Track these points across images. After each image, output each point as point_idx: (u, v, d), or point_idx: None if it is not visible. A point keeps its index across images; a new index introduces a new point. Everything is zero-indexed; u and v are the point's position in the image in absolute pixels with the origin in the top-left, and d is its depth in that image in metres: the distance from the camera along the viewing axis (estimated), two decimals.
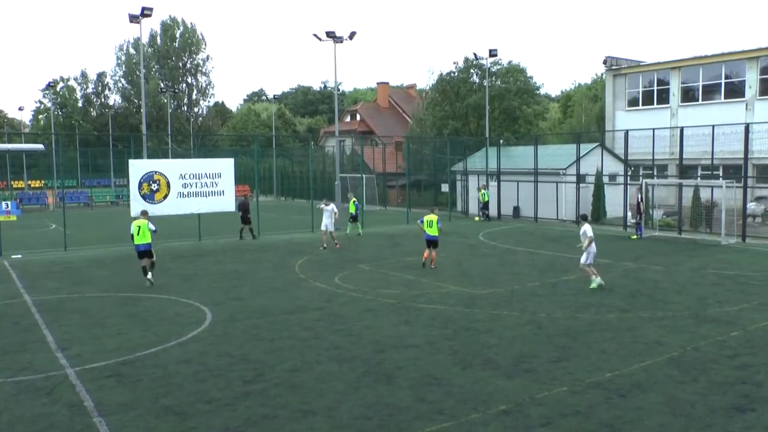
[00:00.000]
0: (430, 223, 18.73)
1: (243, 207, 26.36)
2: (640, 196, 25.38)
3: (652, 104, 36.77)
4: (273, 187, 53.31)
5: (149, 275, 16.62)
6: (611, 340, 11.00)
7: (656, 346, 10.65)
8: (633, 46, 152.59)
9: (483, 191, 33.96)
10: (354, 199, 27.74)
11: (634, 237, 25.23)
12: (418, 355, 10.33)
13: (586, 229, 15.84)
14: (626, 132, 29.40)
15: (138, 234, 16.53)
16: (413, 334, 11.63)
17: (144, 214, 17.41)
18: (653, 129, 29.06)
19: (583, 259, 15.75)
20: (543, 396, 8.48)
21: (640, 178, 29.92)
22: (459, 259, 20.59)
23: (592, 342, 10.93)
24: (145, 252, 16.68)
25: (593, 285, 15.37)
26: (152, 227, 16.78)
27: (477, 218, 34.04)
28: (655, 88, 36.66)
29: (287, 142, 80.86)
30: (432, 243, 18.80)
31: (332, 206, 24.21)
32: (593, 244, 15.76)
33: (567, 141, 43.33)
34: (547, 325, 12.12)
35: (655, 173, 31.30)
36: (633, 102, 37.82)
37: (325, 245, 23.13)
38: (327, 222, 23.55)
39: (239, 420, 7.88)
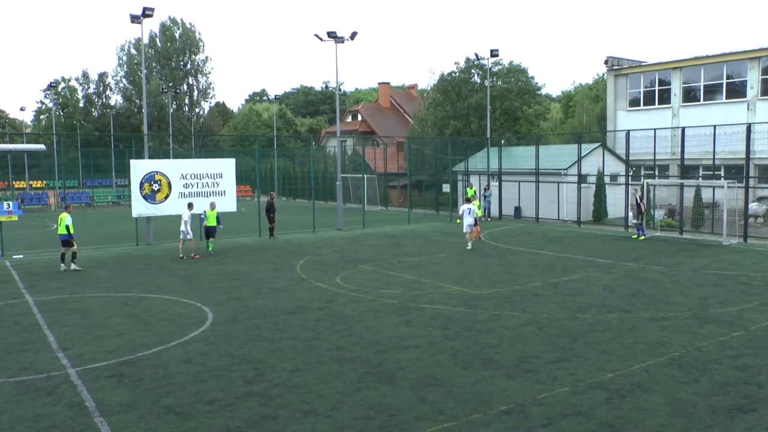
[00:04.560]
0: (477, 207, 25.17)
1: (267, 206, 26.95)
2: (639, 195, 25.33)
3: (654, 104, 36.75)
4: (274, 188, 53.33)
5: (68, 263, 19.21)
6: (612, 341, 10.99)
7: (657, 346, 10.64)
8: (634, 46, 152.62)
9: (469, 188, 33.17)
10: (210, 210, 22.48)
11: (636, 237, 25.10)
12: (419, 356, 10.33)
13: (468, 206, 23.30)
14: (627, 132, 29.37)
15: (59, 226, 19.29)
16: (414, 334, 11.62)
17: (67, 209, 19.79)
18: (654, 129, 29.05)
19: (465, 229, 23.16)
20: (544, 396, 8.47)
21: (642, 178, 29.91)
22: (460, 259, 20.59)
23: (593, 342, 10.92)
24: (64, 241, 19.25)
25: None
26: (68, 222, 19.21)
27: (458, 221, 32.13)
28: (657, 88, 36.64)
29: (288, 143, 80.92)
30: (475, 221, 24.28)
31: (189, 213, 21.65)
32: (467, 218, 22.92)
33: (568, 141, 43.30)
34: (548, 325, 12.11)
35: (657, 173, 31.28)
36: (634, 102, 37.81)
37: (182, 255, 21.37)
38: (185, 229, 21.27)
39: (240, 420, 7.88)
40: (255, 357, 10.40)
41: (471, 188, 34.06)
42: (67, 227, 19.19)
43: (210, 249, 22.45)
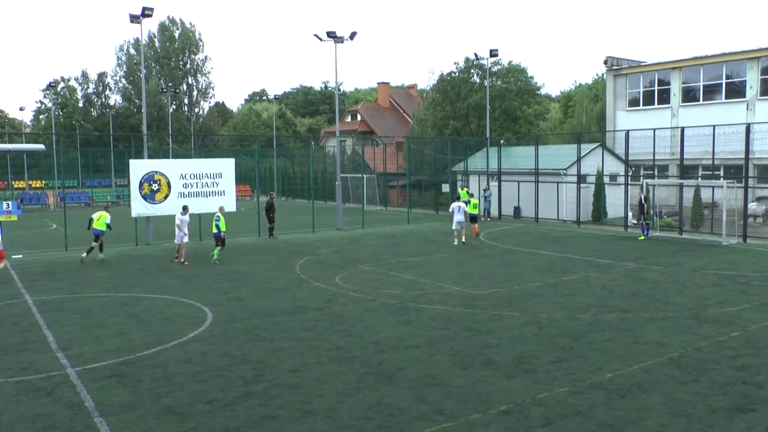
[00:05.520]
0: (475, 205, 27.18)
1: (267, 206, 27.04)
2: (642, 196, 25.24)
3: (653, 104, 36.77)
4: (274, 188, 53.36)
5: (95, 253, 20.77)
6: (612, 341, 10.99)
7: (657, 346, 10.64)
8: (634, 46, 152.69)
9: (464, 190, 32.74)
10: (220, 214, 21.34)
11: (642, 238, 24.93)
12: (419, 356, 10.33)
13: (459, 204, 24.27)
14: (627, 132, 29.39)
15: (97, 221, 20.75)
16: (414, 334, 11.63)
17: (107, 208, 21.33)
18: (654, 129, 29.06)
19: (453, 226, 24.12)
20: (543, 396, 8.47)
21: (641, 178, 29.90)
22: (460, 259, 20.59)
23: (592, 342, 10.93)
24: (97, 235, 20.77)
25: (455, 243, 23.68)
26: (108, 221, 20.83)
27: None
28: (656, 88, 36.66)
29: (288, 143, 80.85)
30: (474, 219, 26.26)
31: (186, 217, 21.07)
32: (457, 215, 23.74)
33: (568, 141, 43.31)
34: (548, 325, 12.11)
35: (656, 173, 31.29)
36: (634, 102, 37.82)
37: (183, 260, 20.61)
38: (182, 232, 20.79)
39: (239, 420, 7.88)
40: (254, 357, 10.40)
41: (463, 189, 34.09)
42: (108, 225, 20.82)
43: (215, 257, 20.76)
